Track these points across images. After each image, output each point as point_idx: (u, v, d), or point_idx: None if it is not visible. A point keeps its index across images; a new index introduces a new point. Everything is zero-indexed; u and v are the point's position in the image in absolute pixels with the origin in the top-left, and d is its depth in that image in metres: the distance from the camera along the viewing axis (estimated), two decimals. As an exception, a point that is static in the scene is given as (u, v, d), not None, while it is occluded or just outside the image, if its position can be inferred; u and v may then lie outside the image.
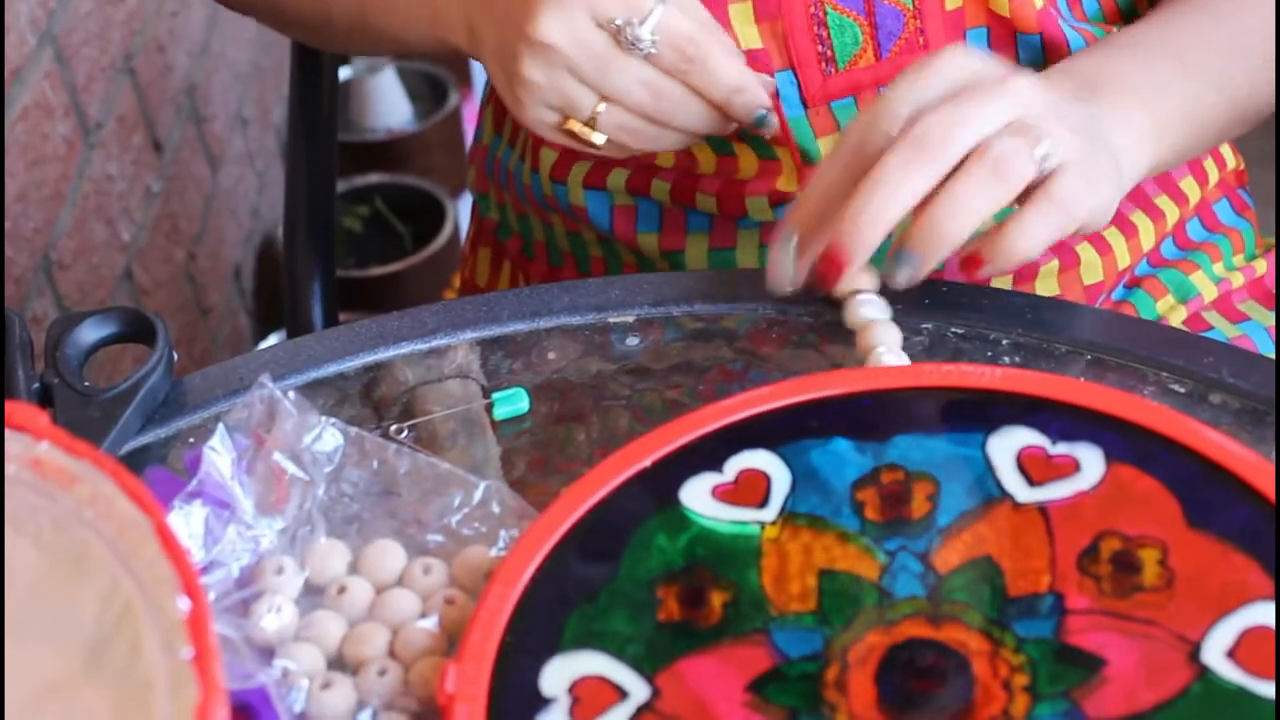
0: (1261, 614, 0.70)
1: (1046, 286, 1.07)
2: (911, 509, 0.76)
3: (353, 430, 0.82)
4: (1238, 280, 1.13)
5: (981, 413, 0.80)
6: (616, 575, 0.74)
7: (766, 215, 1.06)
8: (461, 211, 2.34)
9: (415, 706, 0.73)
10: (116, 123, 1.75)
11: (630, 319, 0.93)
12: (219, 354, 2.06)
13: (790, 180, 1.04)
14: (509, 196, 1.17)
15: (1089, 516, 0.75)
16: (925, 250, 0.84)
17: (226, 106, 2.14)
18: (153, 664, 0.64)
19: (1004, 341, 0.89)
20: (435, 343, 0.93)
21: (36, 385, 0.87)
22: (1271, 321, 1.13)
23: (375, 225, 2.35)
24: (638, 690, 0.70)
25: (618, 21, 0.89)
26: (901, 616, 0.72)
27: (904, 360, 0.86)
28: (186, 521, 0.78)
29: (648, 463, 0.78)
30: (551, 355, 0.92)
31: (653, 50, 0.89)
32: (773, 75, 1.00)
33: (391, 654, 0.75)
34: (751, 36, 1.00)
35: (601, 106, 0.91)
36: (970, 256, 0.86)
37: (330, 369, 0.92)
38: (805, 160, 1.03)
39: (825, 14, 1.00)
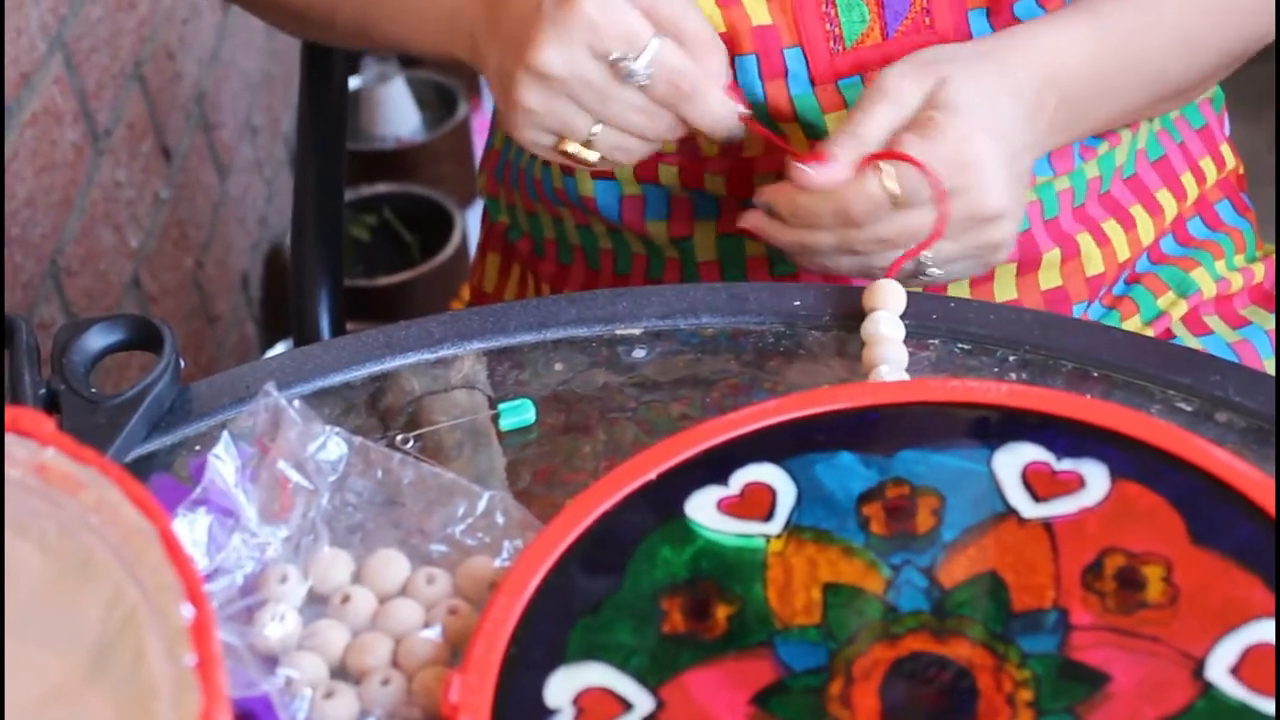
0: (1266, 631, 0.70)
1: (1049, 278, 1.08)
2: (916, 523, 0.76)
3: (357, 440, 0.82)
4: (1237, 282, 1.14)
5: (987, 428, 0.80)
6: (621, 587, 0.74)
7: None
8: (470, 222, 2.34)
9: (418, 716, 0.73)
10: (126, 129, 1.75)
11: (637, 331, 0.93)
12: (226, 362, 2.06)
13: None
14: (519, 196, 1.19)
15: (1093, 532, 0.75)
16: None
17: (236, 114, 2.15)
18: (156, 670, 0.64)
19: (1010, 358, 0.89)
20: (442, 353, 0.93)
21: (43, 391, 0.87)
22: (1272, 325, 1.13)
23: (383, 235, 2.35)
24: (642, 702, 0.70)
25: (615, 55, 0.91)
26: (906, 630, 0.72)
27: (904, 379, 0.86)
28: (191, 529, 0.78)
29: (653, 475, 0.78)
30: (558, 367, 0.92)
31: (647, 82, 0.92)
32: (780, 52, 1.03)
33: (394, 664, 0.75)
34: (761, 13, 1.02)
35: (597, 128, 0.94)
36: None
37: (337, 378, 0.92)
38: (811, 136, 1.04)
39: None
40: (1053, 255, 1.08)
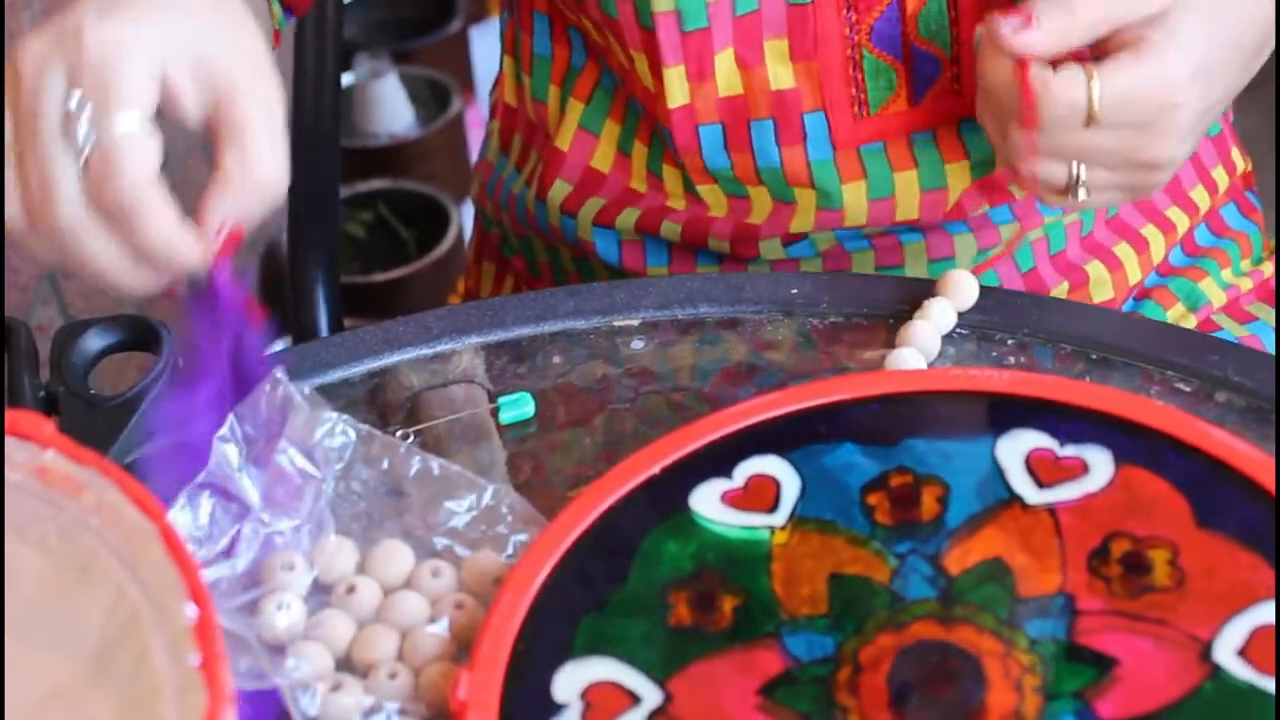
0: (1270, 612, 0.70)
1: None
2: (921, 512, 0.76)
3: (363, 428, 0.82)
4: (1246, 286, 1.13)
5: (990, 415, 0.80)
6: (627, 582, 0.74)
7: (779, 254, 1.04)
8: (465, 217, 2.33)
9: (425, 711, 0.72)
10: (120, 130, 1.74)
11: (635, 322, 0.93)
12: (223, 361, 2.05)
13: (805, 221, 1.02)
14: (508, 218, 1.15)
15: (1098, 518, 0.75)
16: None
17: (230, 113, 2.14)
18: (159, 671, 0.64)
19: (1009, 341, 0.89)
20: (440, 348, 0.93)
21: (42, 393, 0.87)
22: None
23: (379, 231, 2.34)
24: (650, 695, 0.70)
25: (76, 97, 0.77)
26: (912, 618, 0.72)
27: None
28: (194, 513, 0.78)
29: (657, 469, 0.78)
30: (557, 359, 0.92)
31: (84, 149, 0.76)
32: (800, 117, 0.99)
33: (400, 658, 0.75)
34: (784, 77, 0.98)
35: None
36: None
37: (335, 375, 0.92)
38: (824, 204, 1.01)
39: (861, 56, 0.98)
40: (1060, 289, 1.06)
